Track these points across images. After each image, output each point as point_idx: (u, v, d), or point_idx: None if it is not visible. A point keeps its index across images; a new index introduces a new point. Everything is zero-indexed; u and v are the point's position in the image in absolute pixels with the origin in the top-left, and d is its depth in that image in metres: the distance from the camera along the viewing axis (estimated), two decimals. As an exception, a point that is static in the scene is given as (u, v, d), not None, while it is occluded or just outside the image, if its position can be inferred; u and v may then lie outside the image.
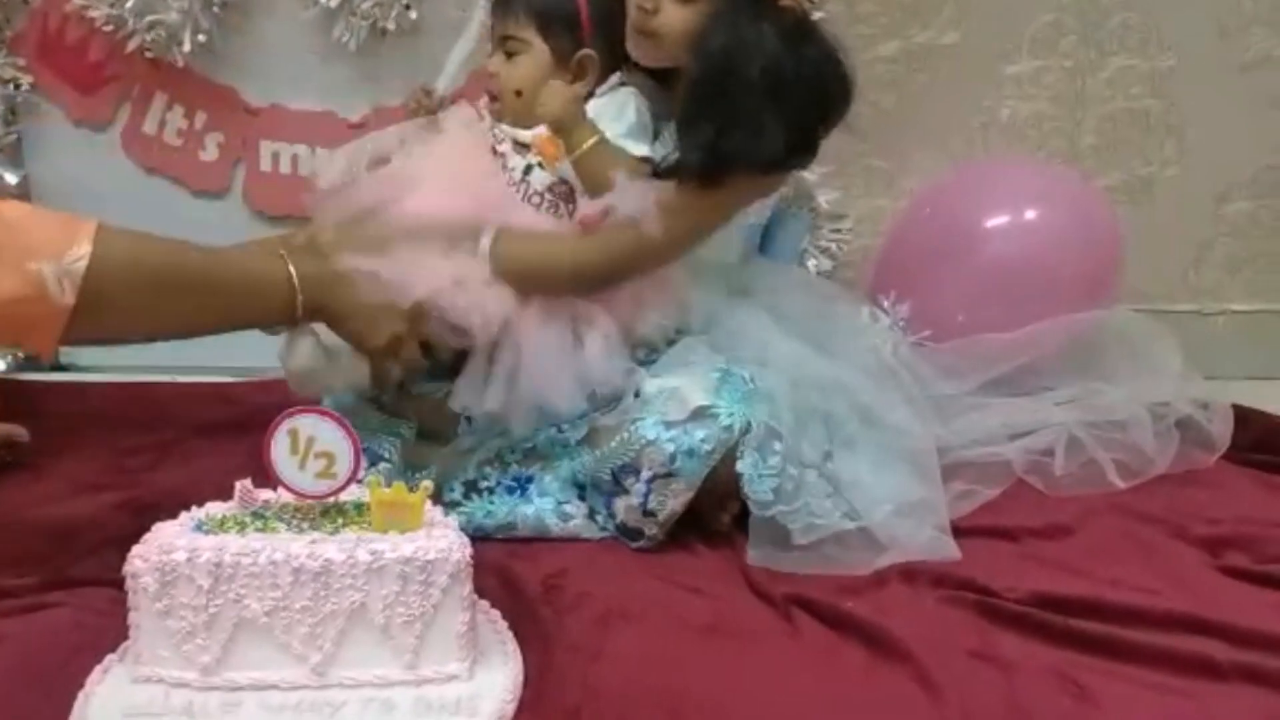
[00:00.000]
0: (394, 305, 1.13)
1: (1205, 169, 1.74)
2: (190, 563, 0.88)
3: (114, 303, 0.96)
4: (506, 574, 1.12)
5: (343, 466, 0.92)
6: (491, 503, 1.23)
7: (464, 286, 1.18)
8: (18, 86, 1.58)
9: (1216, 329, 1.77)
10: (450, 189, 1.24)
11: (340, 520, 0.93)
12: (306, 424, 0.91)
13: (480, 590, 1.08)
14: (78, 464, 1.31)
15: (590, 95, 1.28)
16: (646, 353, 1.28)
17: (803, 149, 1.23)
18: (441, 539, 0.91)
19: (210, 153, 1.64)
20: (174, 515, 1.24)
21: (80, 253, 0.92)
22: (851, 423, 1.28)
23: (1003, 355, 1.45)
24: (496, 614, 1.03)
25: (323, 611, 0.89)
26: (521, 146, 1.28)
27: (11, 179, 1.59)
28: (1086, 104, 1.70)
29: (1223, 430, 1.38)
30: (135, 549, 0.91)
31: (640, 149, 1.25)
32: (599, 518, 1.22)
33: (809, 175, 1.63)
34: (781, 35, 1.16)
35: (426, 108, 1.32)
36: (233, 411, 1.45)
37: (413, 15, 1.55)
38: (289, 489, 0.93)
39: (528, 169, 1.27)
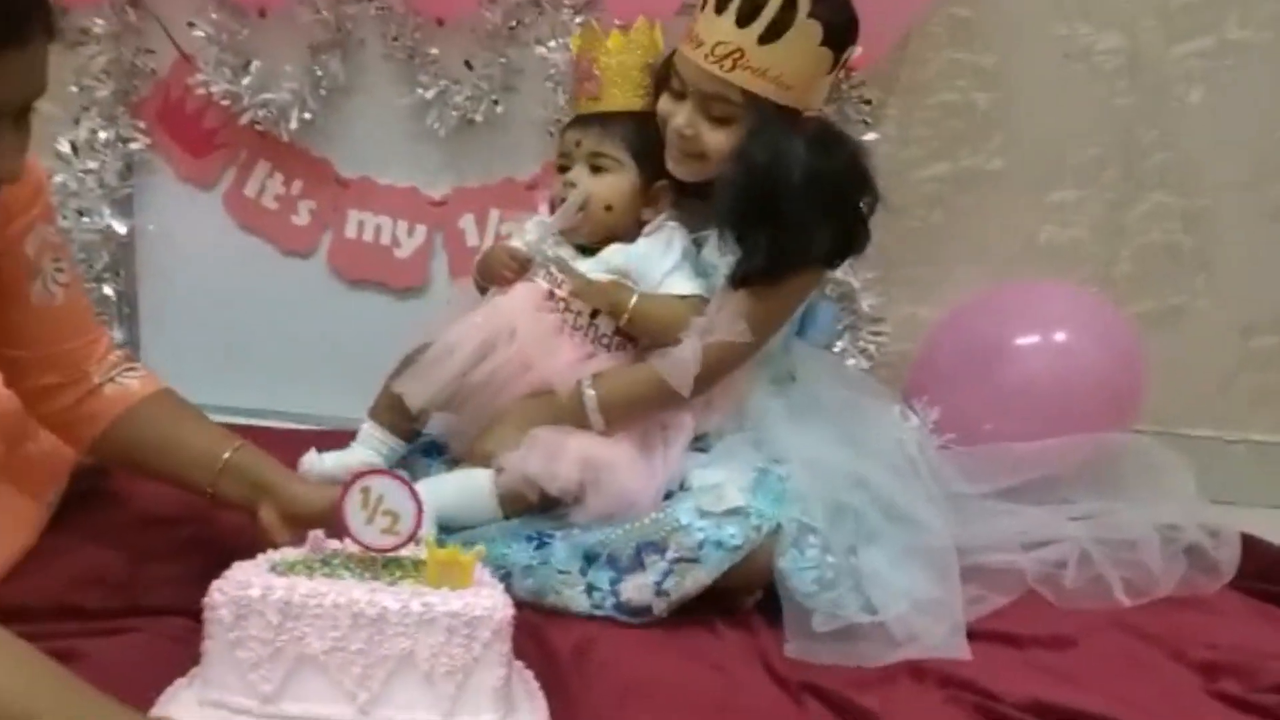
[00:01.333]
0: None
1: (1233, 304, 1.80)
2: (263, 599, 0.95)
3: None
4: (541, 638, 1.20)
5: (406, 525, 1.00)
6: (509, 547, 1.28)
7: (599, 471, 1.28)
8: (131, 144, 1.71)
9: (1237, 456, 1.81)
10: (528, 357, 1.35)
11: (399, 573, 1.00)
12: (377, 484, 0.99)
13: (517, 651, 1.17)
14: (155, 496, 1.37)
15: (638, 231, 1.39)
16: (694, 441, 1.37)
17: (853, 238, 1.33)
18: (487, 598, 0.98)
19: (302, 217, 1.76)
20: (244, 552, 1.36)
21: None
22: (875, 517, 1.35)
23: (1023, 464, 1.51)
24: (530, 674, 1.10)
25: (375, 654, 0.95)
26: None
27: (121, 228, 1.73)
28: (1123, 235, 1.77)
29: (1229, 558, 1.42)
30: (215, 583, 0.98)
31: (685, 286, 1.35)
32: (596, 594, 1.26)
33: (854, 280, 1.72)
34: (812, 143, 1.27)
35: (516, 270, 1.40)
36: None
37: (499, 110, 1.67)
38: (356, 541, 1.01)
39: (594, 312, 1.37)
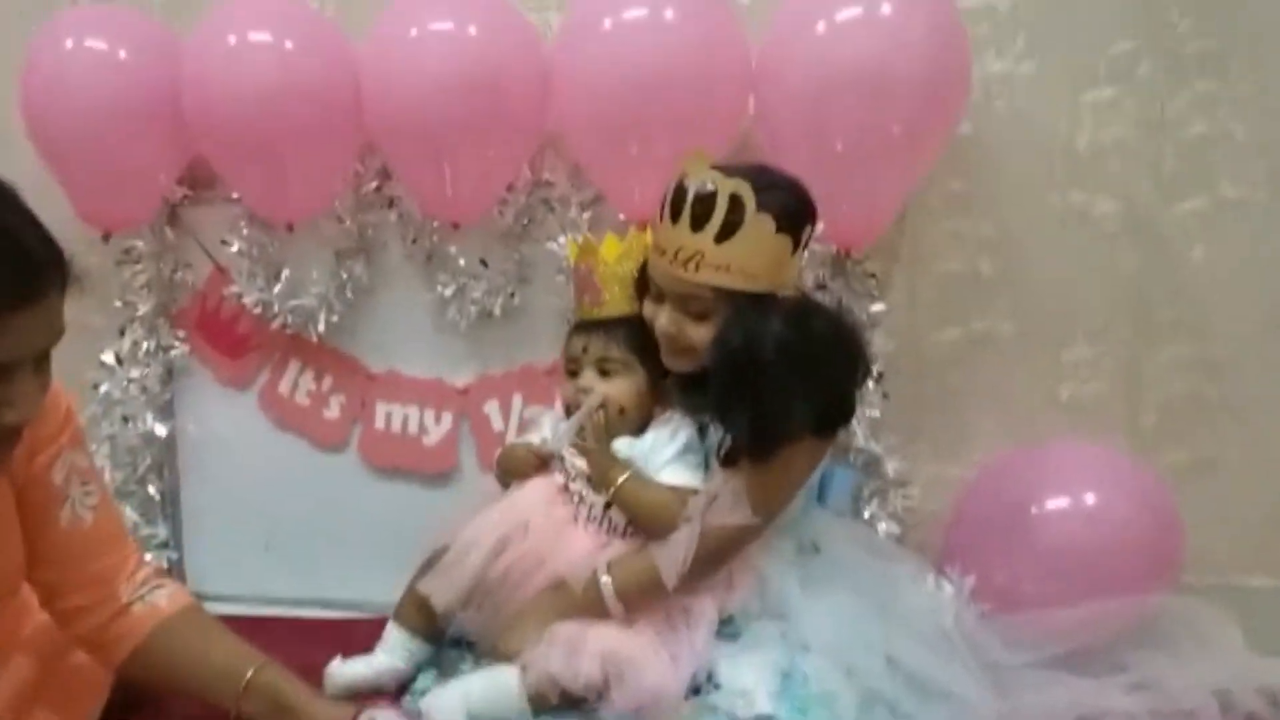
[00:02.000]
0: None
1: (1274, 449, 1.76)
2: None
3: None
4: None
5: None
6: None
7: (621, 666, 1.27)
8: (171, 352, 1.81)
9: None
10: (542, 551, 1.37)
11: None
12: (381, 718, 1.00)
13: None
14: (193, 705, 1.33)
15: (645, 425, 1.43)
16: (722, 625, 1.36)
17: (840, 407, 1.34)
18: None
19: (333, 411, 1.82)
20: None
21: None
22: (910, 701, 1.32)
23: (1066, 631, 1.48)
24: None
25: None
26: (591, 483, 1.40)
27: (161, 431, 1.80)
28: (1144, 387, 1.76)
29: None
30: None
31: (680, 477, 1.37)
32: None
33: (877, 446, 1.72)
34: (787, 319, 1.29)
35: (537, 466, 1.44)
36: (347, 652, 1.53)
37: (516, 301, 1.73)
38: None
39: (607, 505, 1.39)
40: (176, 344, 1.81)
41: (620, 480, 1.36)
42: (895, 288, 1.73)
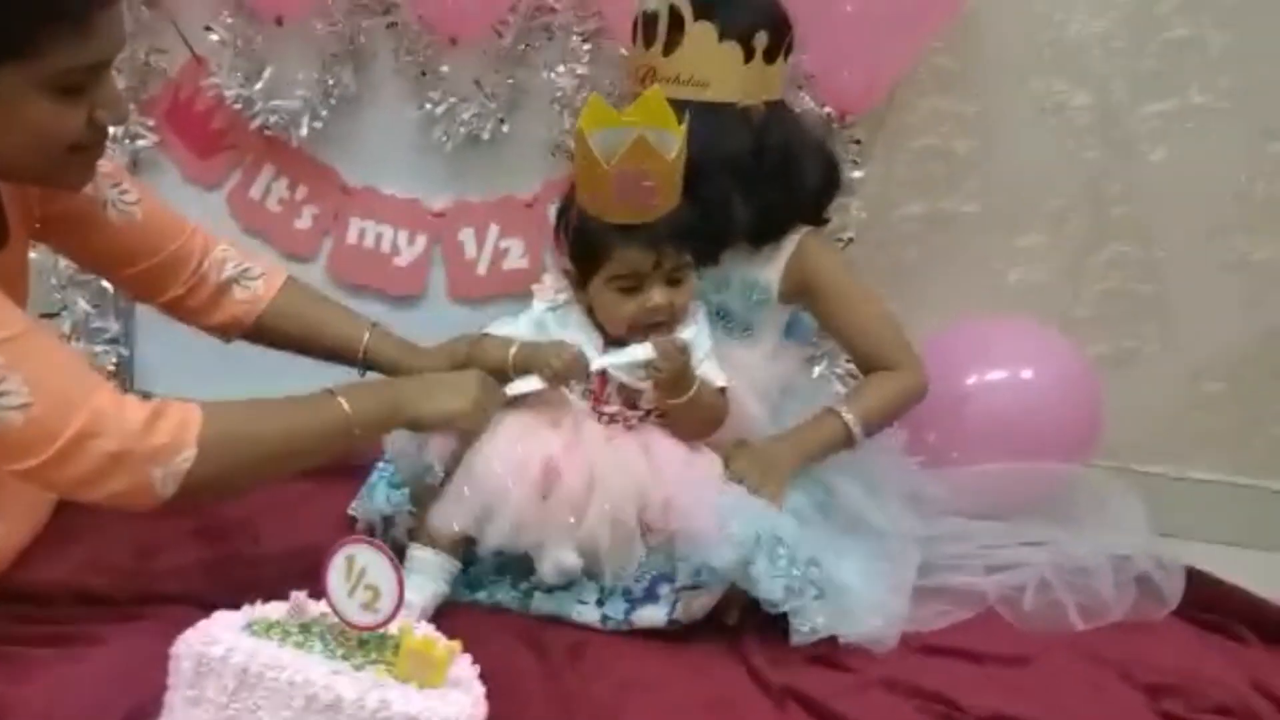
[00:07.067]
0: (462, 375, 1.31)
1: (1184, 349, 1.90)
2: (224, 660, 0.94)
3: (207, 487, 1.08)
4: (534, 640, 1.27)
5: (386, 604, 0.96)
6: (519, 589, 1.35)
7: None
8: (138, 141, 1.73)
9: (1184, 493, 1.90)
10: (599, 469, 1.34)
11: (373, 655, 0.96)
12: (362, 555, 0.96)
13: (508, 653, 1.22)
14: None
15: None
16: None
17: (828, 188, 1.50)
18: (453, 705, 0.92)
19: (305, 221, 1.79)
20: (239, 546, 1.36)
21: (187, 455, 1.04)
22: (839, 530, 1.44)
23: (984, 488, 1.60)
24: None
25: (327, 742, 0.90)
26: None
27: (122, 224, 1.75)
28: (1084, 279, 1.86)
29: (1175, 588, 1.50)
30: (186, 632, 0.97)
31: (719, 376, 1.36)
32: (610, 621, 1.33)
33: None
34: (754, 134, 1.41)
35: (576, 376, 1.34)
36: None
37: (505, 129, 1.72)
38: (335, 613, 0.97)
39: (643, 415, 1.39)
40: (144, 134, 1.74)
41: (693, 392, 1.32)
42: (875, 159, 1.77)
